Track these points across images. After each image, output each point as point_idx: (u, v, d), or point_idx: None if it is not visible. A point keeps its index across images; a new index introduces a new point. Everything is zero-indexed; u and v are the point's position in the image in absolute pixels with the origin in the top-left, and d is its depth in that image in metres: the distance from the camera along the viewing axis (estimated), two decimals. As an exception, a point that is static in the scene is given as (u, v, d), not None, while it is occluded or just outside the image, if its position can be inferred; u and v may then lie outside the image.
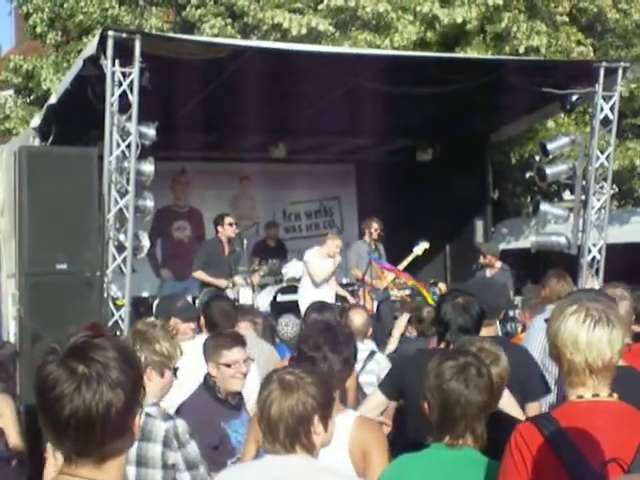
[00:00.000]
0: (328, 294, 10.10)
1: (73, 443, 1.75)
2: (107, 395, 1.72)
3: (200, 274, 10.34)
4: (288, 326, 7.31)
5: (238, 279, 10.58)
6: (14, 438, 5.83)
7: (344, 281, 12.25)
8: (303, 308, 9.43)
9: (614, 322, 2.59)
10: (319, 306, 6.16)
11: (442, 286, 11.39)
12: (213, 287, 10.12)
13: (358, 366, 5.09)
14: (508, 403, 3.79)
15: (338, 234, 11.58)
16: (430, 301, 9.36)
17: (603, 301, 2.81)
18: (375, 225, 11.34)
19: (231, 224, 10.60)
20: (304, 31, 12.03)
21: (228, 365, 4.45)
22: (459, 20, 12.31)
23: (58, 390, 1.72)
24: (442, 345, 4.18)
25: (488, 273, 10.86)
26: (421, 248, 11.15)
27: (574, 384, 2.57)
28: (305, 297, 9.99)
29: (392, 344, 6.47)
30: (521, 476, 2.44)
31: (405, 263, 11.16)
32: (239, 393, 4.53)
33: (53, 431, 1.76)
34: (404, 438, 4.15)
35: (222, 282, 10.16)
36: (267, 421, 2.80)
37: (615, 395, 2.59)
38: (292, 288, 11.07)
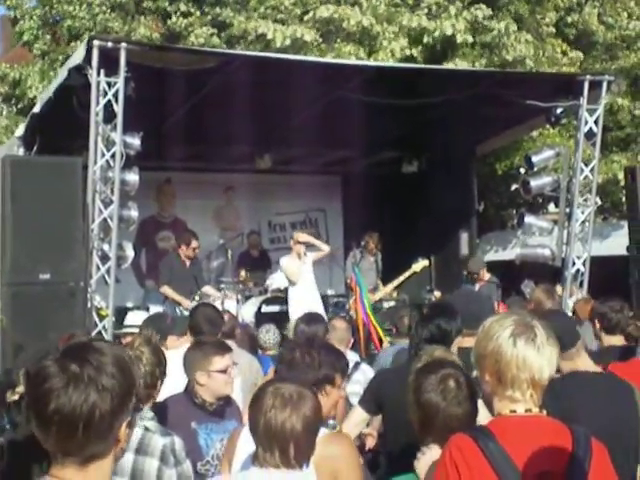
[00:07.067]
0: (315, 298, 10.03)
1: (55, 440, 1.77)
2: (92, 397, 1.75)
3: (166, 289, 10.22)
4: (269, 332, 7.30)
5: (208, 289, 10.52)
6: None
7: (329, 292, 12.25)
8: (294, 318, 9.44)
9: (553, 340, 2.59)
10: (308, 318, 6.12)
11: (437, 293, 11.45)
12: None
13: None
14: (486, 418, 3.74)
15: (301, 231, 11.45)
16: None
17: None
18: (375, 239, 11.64)
19: (195, 249, 10.48)
20: (288, 42, 12.02)
21: (222, 371, 4.42)
22: (448, 32, 12.33)
23: (47, 385, 1.75)
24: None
25: (477, 286, 10.89)
26: (419, 265, 11.15)
27: (508, 399, 2.55)
28: (293, 306, 9.99)
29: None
30: None
31: (401, 279, 11.17)
32: (223, 399, 4.52)
33: (37, 426, 1.78)
34: (386, 449, 4.14)
35: (186, 302, 9.85)
36: (272, 434, 2.75)
37: (544, 411, 2.57)
38: (277, 299, 11.03)
